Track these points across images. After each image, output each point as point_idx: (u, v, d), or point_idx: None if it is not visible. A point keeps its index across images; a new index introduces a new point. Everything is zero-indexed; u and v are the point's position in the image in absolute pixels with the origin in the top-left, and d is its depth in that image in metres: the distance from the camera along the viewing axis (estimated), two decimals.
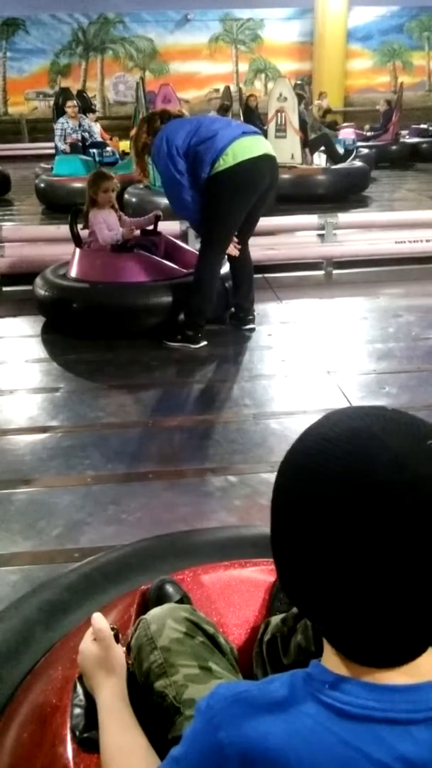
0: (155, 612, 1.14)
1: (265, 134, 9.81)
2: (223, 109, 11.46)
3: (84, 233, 4.60)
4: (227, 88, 12.24)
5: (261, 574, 1.43)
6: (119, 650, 1.06)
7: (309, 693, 0.65)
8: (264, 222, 6.42)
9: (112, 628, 1.09)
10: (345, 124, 13.78)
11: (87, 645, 1.08)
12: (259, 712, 0.65)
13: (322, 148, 9.36)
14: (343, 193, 8.92)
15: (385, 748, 0.61)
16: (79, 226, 4.63)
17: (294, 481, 0.65)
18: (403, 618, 0.61)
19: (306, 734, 0.62)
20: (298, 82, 12.19)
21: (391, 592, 0.60)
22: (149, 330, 4.18)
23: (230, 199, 3.78)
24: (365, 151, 10.95)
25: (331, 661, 0.67)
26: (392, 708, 0.62)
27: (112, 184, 4.48)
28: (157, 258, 4.47)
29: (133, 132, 8.68)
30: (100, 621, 1.07)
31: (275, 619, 1.24)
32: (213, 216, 3.82)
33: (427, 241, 5.84)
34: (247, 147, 3.73)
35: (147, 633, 1.09)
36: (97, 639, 1.06)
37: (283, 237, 6.11)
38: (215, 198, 3.75)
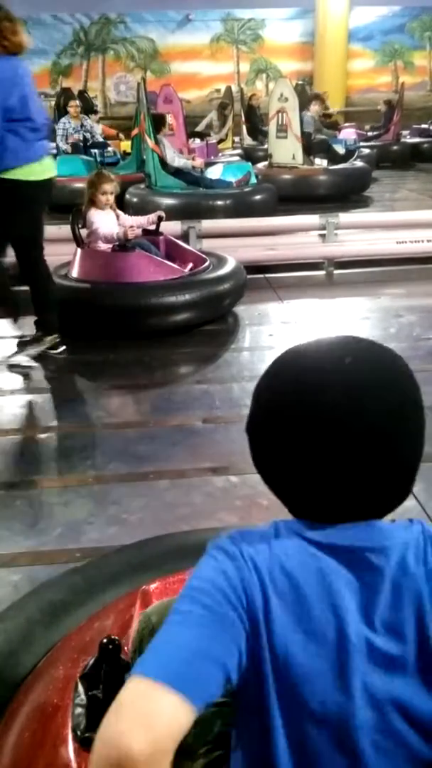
0: (156, 605, 1.15)
1: (265, 135, 9.84)
2: (222, 107, 11.42)
3: (83, 232, 4.60)
4: (228, 88, 12.21)
5: None
6: None
7: (292, 532, 0.84)
8: (265, 222, 6.46)
9: (114, 639, 1.09)
10: (346, 125, 13.78)
11: None
12: (259, 540, 0.84)
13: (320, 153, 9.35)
14: (345, 194, 8.92)
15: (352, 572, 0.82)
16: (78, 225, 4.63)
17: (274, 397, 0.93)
18: (335, 482, 0.82)
19: (294, 553, 0.82)
20: (300, 82, 12.17)
21: (321, 464, 0.82)
22: (150, 330, 4.18)
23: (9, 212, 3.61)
24: (366, 151, 10.94)
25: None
26: (352, 539, 0.83)
27: (111, 186, 4.47)
28: (158, 258, 4.47)
29: (134, 132, 8.71)
30: None
31: None
32: None
33: (429, 241, 5.83)
34: (41, 170, 3.63)
35: (148, 625, 1.10)
36: None
37: (285, 237, 6.11)
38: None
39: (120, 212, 4.65)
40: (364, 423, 0.80)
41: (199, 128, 11.17)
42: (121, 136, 10.38)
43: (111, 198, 4.49)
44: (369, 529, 0.83)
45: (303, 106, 8.98)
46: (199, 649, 0.73)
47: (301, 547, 0.82)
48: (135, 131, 8.61)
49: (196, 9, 18.69)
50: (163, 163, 7.50)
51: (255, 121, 12.41)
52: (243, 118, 12.35)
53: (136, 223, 4.58)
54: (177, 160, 7.63)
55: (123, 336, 4.18)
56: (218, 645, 0.75)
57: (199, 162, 7.95)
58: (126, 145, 9.60)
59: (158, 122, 7.51)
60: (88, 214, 4.44)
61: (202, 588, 0.78)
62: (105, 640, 1.10)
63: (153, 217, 4.78)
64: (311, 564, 0.81)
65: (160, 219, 4.79)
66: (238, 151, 11.33)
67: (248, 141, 12.12)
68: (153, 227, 4.77)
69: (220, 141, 10.98)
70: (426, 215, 6.68)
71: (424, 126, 14.76)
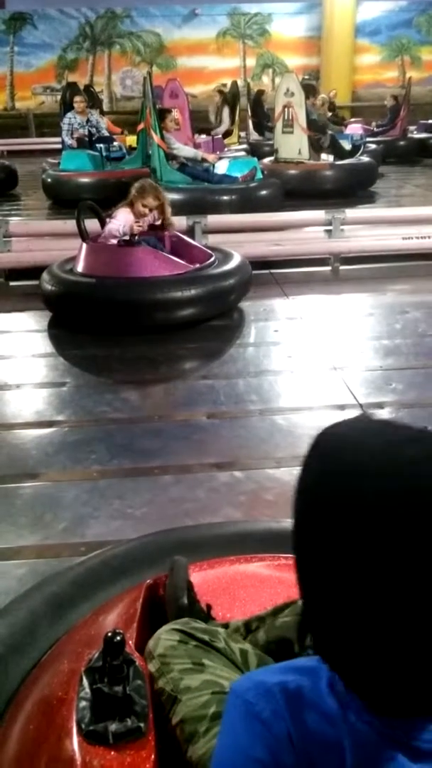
0: (156, 640, 1.18)
1: (271, 130, 9.82)
2: (225, 102, 11.31)
3: (93, 228, 4.59)
4: (234, 83, 12.18)
5: (267, 569, 1.43)
6: None
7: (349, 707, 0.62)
8: (271, 217, 6.46)
9: (118, 632, 1.09)
10: (352, 120, 13.74)
11: None
12: (313, 714, 0.62)
13: (327, 144, 9.32)
14: (351, 189, 8.89)
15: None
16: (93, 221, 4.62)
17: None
18: None
19: (356, 748, 0.60)
20: (306, 76, 12.13)
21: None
22: (156, 325, 4.18)
23: None
24: (373, 146, 10.90)
25: None
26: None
27: (155, 203, 4.52)
28: (163, 253, 4.47)
29: (140, 127, 8.69)
30: None
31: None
32: None
33: None
34: None
35: (146, 649, 1.17)
36: None
37: (290, 232, 6.11)
38: None
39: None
40: None
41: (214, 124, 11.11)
42: (125, 132, 10.37)
43: (148, 213, 4.53)
44: None
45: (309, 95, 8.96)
46: None
47: None
48: (141, 126, 8.59)
49: (203, 3, 18.65)
50: (168, 156, 7.48)
51: (261, 116, 12.38)
52: (249, 113, 12.31)
53: (141, 218, 4.57)
54: (185, 150, 7.60)
55: (128, 331, 4.19)
56: None
57: (212, 156, 7.90)
58: (132, 139, 9.59)
59: (160, 115, 7.51)
60: (119, 210, 4.44)
61: None
62: (110, 634, 1.10)
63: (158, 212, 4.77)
64: None
65: None
66: (244, 146, 11.30)
67: (254, 136, 12.09)
68: (159, 222, 4.77)
69: (226, 135, 10.94)
70: None
71: (431, 121, 14.68)
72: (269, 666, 0.67)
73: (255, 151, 10.61)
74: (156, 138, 7.32)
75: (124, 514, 2.45)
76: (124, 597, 1.44)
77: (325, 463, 0.61)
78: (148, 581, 1.39)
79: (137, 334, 4.17)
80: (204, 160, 7.69)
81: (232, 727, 0.66)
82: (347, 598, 0.56)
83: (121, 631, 1.12)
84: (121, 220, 4.41)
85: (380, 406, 3.25)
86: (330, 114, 11.46)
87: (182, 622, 1.19)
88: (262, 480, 2.61)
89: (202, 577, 1.40)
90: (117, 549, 1.69)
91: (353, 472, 0.57)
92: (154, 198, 4.51)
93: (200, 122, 10.75)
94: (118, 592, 1.50)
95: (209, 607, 1.30)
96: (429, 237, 5.81)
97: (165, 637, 1.16)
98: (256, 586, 1.40)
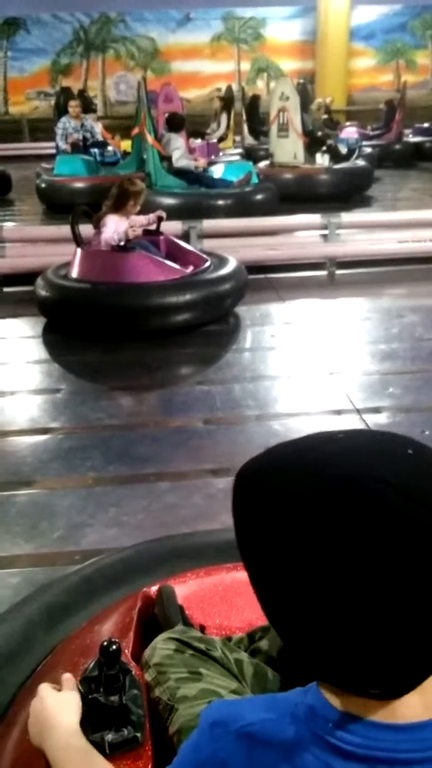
0: (153, 649, 1.17)
1: (266, 134, 9.83)
2: (224, 107, 11.34)
3: (89, 231, 4.57)
4: (229, 88, 12.20)
5: None
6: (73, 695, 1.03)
7: (313, 733, 0.65)
8: (267, 222, 6.46)
9: (114, 641, 1.09)
10: (348, 123, 13.76)
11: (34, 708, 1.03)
12: (268, 751, 0.65)
13: (324, 148, 9.34)
14: (346, 193, 8.91)
15: None
16: (86, 225, 4.60)
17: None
18: (405, 641, 0.58)
19: None
20: (301, 81, 12.16)
21: (389, 612, 0.57)
22: (151, 331, 4.17)
23: None
24: (368, 150, 10.93)
25: (331, 688, 0.66)
26: (395, 748, 0.62)
27: (142, 198, 4.50)
28: (159, 258, 4.46)
29: (134, 131, 8.70)
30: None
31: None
32: None
33: (431, 240, 5.83)
34: None
35: (143, 659, 1.16)
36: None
37: (286, 237, 6.11)
38: None
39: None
40: None
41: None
42: (117, 138, 10.38)
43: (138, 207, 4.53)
44: None
45: (305, 106, 8.97)
46: None
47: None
48: (135, 130, 8.60)
49: (197, 7, 18.70)
50: (162, 157, 7.49)
51: (255, 120, 12.39)
52: (244, 117, 12.33)
53: (136, 223, 4.56)
54: (181, 161, 7.63)
55: (123, 337, 4.18)
56: None
57: (202, 162, 7.94)
58: (126, 144, 9.60)
59: (178, 122, 7.53)
60: (107, 218, 4.40)
61: None
62: (105, 643, 1.10)
63: (153, 217, 4.76)
64: None
65: (160, 219, 4.78)
66: (239, 150, 11.32)
67: (249, 140, 12.11)
68: (153, 227, 4.76)
69: (221, 140, 10.96)
70: (428, 215, 6.67)
71: (426, 125, 14.72)
72: (249, 698, 0.72)
73: (250, 155, 10.63)
74: (150, 139, 7.32)
75: (119, 521, 2.44)
76: (119, 606, 1.43)
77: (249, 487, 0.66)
78: (144, 589, 1.38)
79: (132, 339, 4.16)
80: (195, 167, 7.73)
81: (191, 748, 0.72)
82: (289, 583, 0.61)
83: (117, 640, 1.11)
84: (113, 227, 4.38)
85: (377, 410, 3.25)
86: (325, 117, 11.47)
87: (179, 631, 1.18)
88: None
89: (199, 585, 1.39)
90: (112, 557, 1.68)
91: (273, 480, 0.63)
92: (141, 193, 4.49)
93: (195, 126, 10.77)
94: (114, 600, 1.49)
95: (203, 628, 1.29)
96: (425, 241, 5.82)
97: (161, 646, 1.15)
98: (253, 594, 1.39)
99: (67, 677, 1.06)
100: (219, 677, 1.08)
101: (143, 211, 5.00)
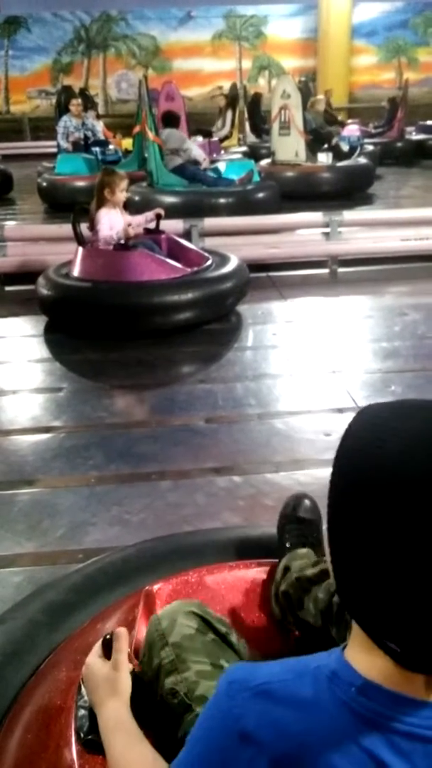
0: (166, 609, 1.14)
1: (268, 132, 9.82)
2: (229, 105, 11.33)
3: (87, 232, 4.58)
4: (233, 86, 12.18)
5: (266, 574, 1.42)
6: (127, 672, 1.05)
7: (334, 695, 0.66)
8: (268, 220, 6.46)
9: (107, 636, 1.09)
10: (350, 121, 13.74)
11: (95, 660, 1.07)
12: (285, 709, 0.66)
13: (326, 146, 9.33)
14: (348, 191, 8.90)
15: (405, 760, 0.62)
16: (84, 225, 4.60)
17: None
18: None
19: (329, 736, 0.64)
20: (302, 79, 12.15)
21: None
22: (152, 329, 4.17)
23: None
24: (370, 148, 10.91)
25: (356, 656, 0.68)
26: (419, 724, 0.63)
27: (125, 183, 4.44)
28: (160, 257, 4.46)
29: (136, 130, 8.69)
30: (122, 639, 1.06)
31: (292, 575, 1.28)
32: None
33: None
34: None
35: (158, 629, 1.10)
36: (113, 657, 1.05)
37: (288, 235, 6.10)
38: None
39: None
40: None
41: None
42: (118, 136, 10.37)
43: (125, 195, 4.46)
44: None
45: (306, 103, 8.96)
46: None
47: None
48: (137, 129, 8.60)
49: (198, 5, 18.69)
50: (162, 154, 7.49)
51: (257, 118, 12.39)
52: (246, 116, 12.32)
53: (134, 222, 4.56)
54: (195, 151, 7.65)
55: (125, 335, 4.18)
56: None
57: (205, 161, 7.94)
58: (127, 143, 9.60)
59: (172, 119, 7.55)
60: (98, 214, 4.39)
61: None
62: (108, 636, 1.10)
63: (151, 214, 4.76)
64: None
65: (158, 216, 4.77)
66: (242, 148, 11.32)
67: (251, 138, 12.10)
68: (152, 225, 4.75)
69: (225, 138, 10.96)
70: (430, 212, 6.64)
71: (428, 123, 14.69)
72: (268, 662, 0.71)
73: (252, 153, 10.62)
74: (151, 135, 7.31)
75: (121, 520, 2.44)
76: (122, 604, 1.43)
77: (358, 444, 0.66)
78: (147, 588, 1.38)
79: (134, 338, 4.16)
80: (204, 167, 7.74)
81: (208, 709, 0.72)
82: (378, 558, 0.61)
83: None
84: (106, 222, 4.37)
85: None
86: (324, 110, 11.45)
87: (197, 605, 1.15)
88: (261, 484, 2.61)
89: (202, 584, 1.39)
90: (115, 556, 1.68)
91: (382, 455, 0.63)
92: (123, 179, 4.43)
93: (197, 125, 10.77)
94: (117, 599, 1.49)
95: None
96: (427, 238, 5.80)
97: (183, 621, 1.09)
98: (256, 592, 1.39)
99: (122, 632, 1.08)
100: None
101: (145, 210, 5.00)
